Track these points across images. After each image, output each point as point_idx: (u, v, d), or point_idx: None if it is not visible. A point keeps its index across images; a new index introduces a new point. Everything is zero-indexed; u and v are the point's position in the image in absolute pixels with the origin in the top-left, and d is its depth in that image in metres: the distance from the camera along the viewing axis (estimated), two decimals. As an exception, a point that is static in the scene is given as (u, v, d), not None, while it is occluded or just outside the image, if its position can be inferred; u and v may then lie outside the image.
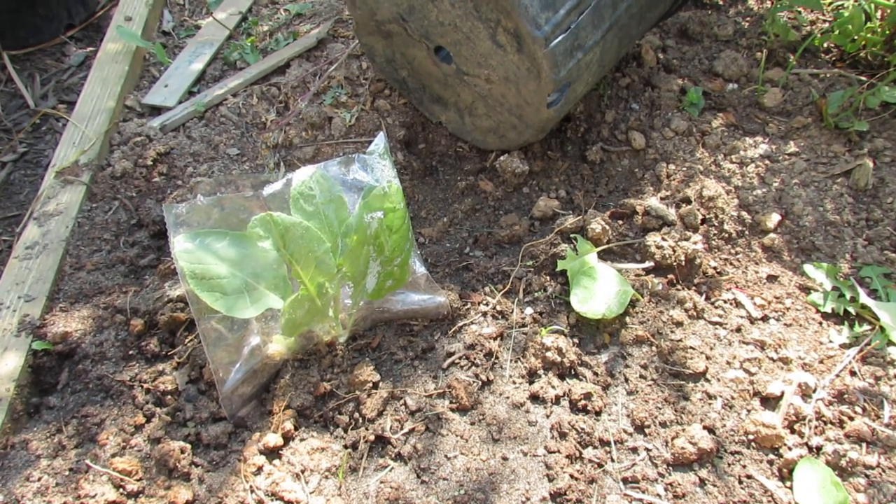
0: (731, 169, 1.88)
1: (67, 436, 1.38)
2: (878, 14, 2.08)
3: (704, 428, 1.41)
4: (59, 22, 2.50)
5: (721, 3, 2.33)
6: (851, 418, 1.43)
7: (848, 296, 1.63)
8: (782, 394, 1.47)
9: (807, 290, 1.68)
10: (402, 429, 1.38)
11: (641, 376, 1.51)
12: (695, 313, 1.62)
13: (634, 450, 1.40)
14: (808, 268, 1.70)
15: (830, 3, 2.28)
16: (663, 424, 1.43)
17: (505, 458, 1.36)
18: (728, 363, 1.53)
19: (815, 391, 1.47)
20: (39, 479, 1.31)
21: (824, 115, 1.96)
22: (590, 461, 1.37)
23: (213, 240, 1.32)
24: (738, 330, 1.60)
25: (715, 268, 1.71)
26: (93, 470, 1.31)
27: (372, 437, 1.37)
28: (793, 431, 1.42)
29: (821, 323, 1.62)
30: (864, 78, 2.03)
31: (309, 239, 1.32)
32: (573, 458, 1.36)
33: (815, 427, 1.42)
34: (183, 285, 1.32)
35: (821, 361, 1.54)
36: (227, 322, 1.38)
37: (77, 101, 2.09)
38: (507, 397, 1.44)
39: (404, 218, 1.44)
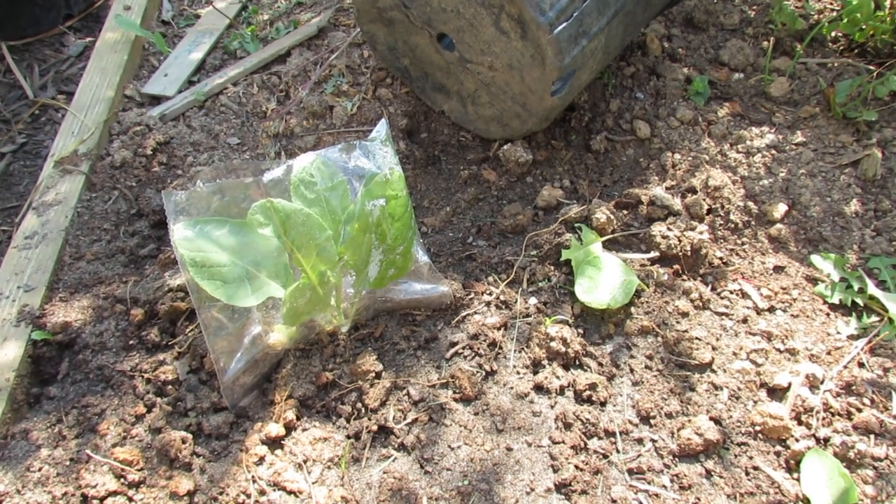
0: (737, 159, 1.86)
1: (68, 426, 1.37)
2: (888, 2, 2.05)
3: (711, 419, 1.40)
4: (58, 12, 2.48)
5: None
6: (860, 410, 1.41)
7: (856, 287, 1.62)
8: (789, 385, 1.45)
9: (814, 280, 1.66)
10: (404, 419, 1.37)
11: (647, 367, 1.49)
12: (700, 304, 1.60)
13: (640, 441, 1.38)
14: (815, 258, 1.68)
15: (838, -8, 2.25)
16: (669, 415, 1.41)
17: (509, 449, 1.34)
18: (734, 354, 1.52)
19: (822, 382, 1.46)
20: (40, 470, 1.29)
21: (832, 104, 1.94)
22: (595, 452, 1.35)
23: (213, 227, 1.30)
24: (745, 321, 1.58)
25: (721, 258, 1.69)
26: (93, 460, 1.30)
27: (374, 428, 1.35)
28: (800, 423, 1.41)
29: (828, 314, 1.60)
30: (872, 67, 2.01)
31: (310, 226, 1.30)
32: (578, 448, 1.35)
33: (823, 418, 1.41)
34: (183, 274, 1.30)
35: (828, 353, 1.52)
36: (227, 311, 1.37)
37: (76, 91, 2.07)
38: (511, 388, 1.43)
39: (406, 205, 1.42)
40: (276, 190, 1.39)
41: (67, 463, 1.30)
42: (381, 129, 1.49)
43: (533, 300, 1.57)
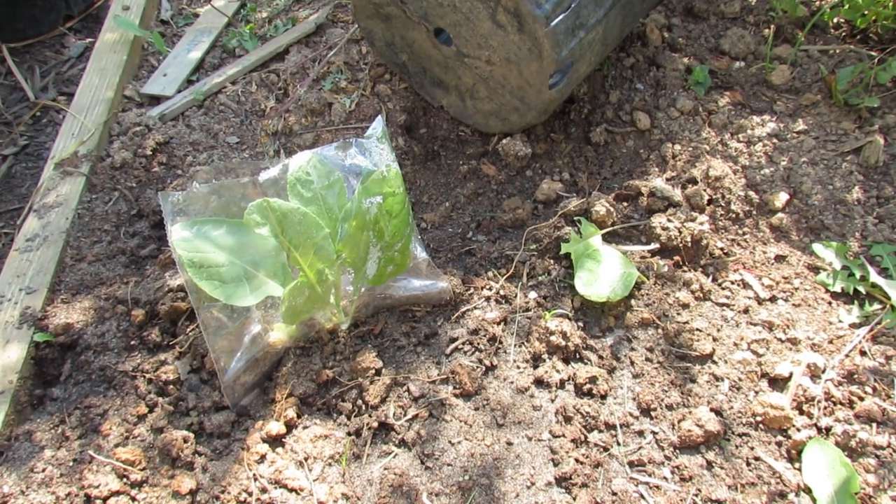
0: (738, 148, 1.85)
1: (71, 427, 1.38)
2: (889, -13, 2.03)
3: (711, 410, 1.39)
4: (58, 13, 2.48)
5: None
6: (861, 398, 1.40)
7: (858, 275, 1.60)
8: (791, 375, 1.44)
9: (816, 269, 1.65)
10: (405, 415, 1.37)
11: (647, 359, 1.49)
12: (701, 295, 1.59)
13: (640, 433, 1.38)
14: (816, 247, 1.67)
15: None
16: (670, 407, 1.41)
17: (509, 443, 1.34)
18: (735, 344, 1.51)
19: (824, 371, 1.45)
20: (44, 471, 1.31)
21: (834, 91, 1.92)
22: (595, 445, 1.35)
23: (211, 227, 1.30)
24: (746, 311, 1.57)
25: (722, 248, 1.68)
26: (96, 460, 1.31)
27: (375, 424, 1.36)
28: (801, 412, 1.40)
29: (830, 303, 1.59)
30: (874, 53, 1.99)
31: (307, 225, 1.30)
32: (578, 442, 1.35)
33: (825, 408, 1.40)
34: (182, 274, 1.31)
35: (830, 341, 1.51)
36: (227, 310, 1.37)
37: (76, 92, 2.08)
38: (512, 382, 1.43)
39: (404, 202, 1.42)
40: (273, 189, 1.40)
41: (70, 463, 1.32)
42: (378, 125, 1.49)
43: (533, 294, 1.57)
